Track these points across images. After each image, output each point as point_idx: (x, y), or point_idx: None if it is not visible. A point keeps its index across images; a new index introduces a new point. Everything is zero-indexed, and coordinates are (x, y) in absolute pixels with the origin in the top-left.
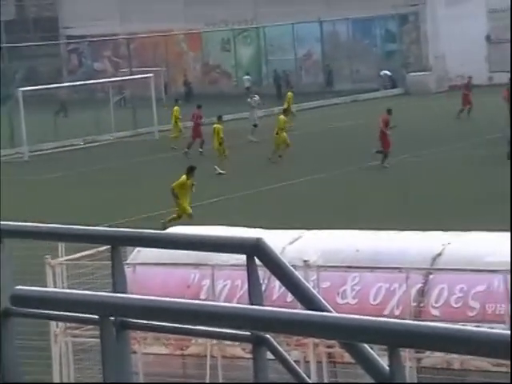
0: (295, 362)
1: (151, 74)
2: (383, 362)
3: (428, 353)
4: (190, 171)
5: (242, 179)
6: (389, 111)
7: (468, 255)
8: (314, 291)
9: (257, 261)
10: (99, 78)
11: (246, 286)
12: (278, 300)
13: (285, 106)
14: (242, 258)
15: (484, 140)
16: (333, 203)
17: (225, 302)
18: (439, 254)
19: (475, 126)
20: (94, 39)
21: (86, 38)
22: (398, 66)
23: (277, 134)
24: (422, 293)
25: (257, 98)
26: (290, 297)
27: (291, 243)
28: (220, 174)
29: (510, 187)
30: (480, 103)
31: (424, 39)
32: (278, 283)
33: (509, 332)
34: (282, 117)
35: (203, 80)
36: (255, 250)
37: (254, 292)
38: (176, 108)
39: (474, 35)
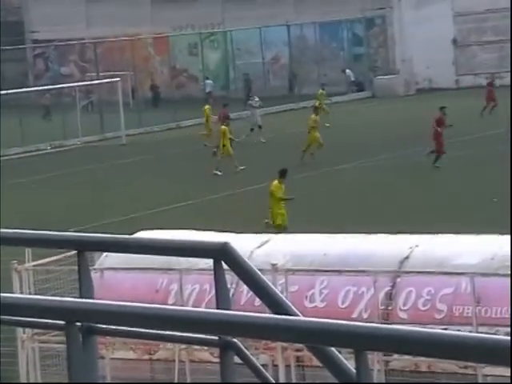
0: (263, 365)
1: (118, 79)
2: (350, 365)
3: (396, 355)
4: (283, 174)
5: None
6: (442, 109)
7: (435, 258)
8: (282, 295)
9: (224, 265)
10: (66, 83)
11: (213, 290)
12: (246, 304)
13: (316, 103)
14: (210, 262)
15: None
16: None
17: (193, 306)
18: (407, 257)
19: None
20: (61, 43)
21: (53, 42)
22: (365, 69)
23: (309, 132)
24: (390, 296)
25: (257, 98)
26: (258, 301)
27: (259, 247)
28: (237, 171)
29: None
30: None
31: (391, 43)
32: (246, 287)
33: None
34: (312, 116)
35: (170, 84)
36: (222, 255)
37: (222, 296)
38: (207, 107)
39: (440, 38)
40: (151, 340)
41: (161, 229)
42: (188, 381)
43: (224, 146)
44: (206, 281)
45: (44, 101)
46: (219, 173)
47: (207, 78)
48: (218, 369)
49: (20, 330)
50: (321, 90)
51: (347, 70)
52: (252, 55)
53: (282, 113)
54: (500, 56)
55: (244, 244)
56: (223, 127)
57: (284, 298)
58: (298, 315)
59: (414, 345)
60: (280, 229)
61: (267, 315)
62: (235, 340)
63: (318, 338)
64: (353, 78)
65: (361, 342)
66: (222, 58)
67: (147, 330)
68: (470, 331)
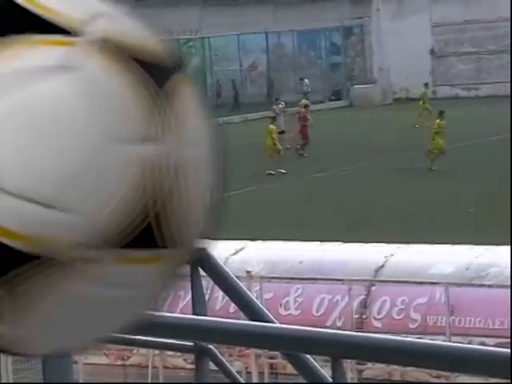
0: (237, 373)
1: None
2: (326, 373)
3: (369, 364)
4: None
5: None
6: None
7: (410, 267)
8: (257, 302)
9: (200, 271)
10: None
11: (188, 296)
12: (221, 310)
13: (427, 105)
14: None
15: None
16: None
17: (167, 312)
18: (382, 266)
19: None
20: None
21: None
22: (342, 78)
23: (433, 139)
24: (365, 304)
25: (282, 104)
26: (233, 307)
27: (235, 254)
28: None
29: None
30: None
31: (369, 52)
32: (221, 293)
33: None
34: (437, 120)
35: None
36: (199, 260)
37: (198, 302)
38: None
39: (418, 49)
40: (126, 345)
41: None
42: None
43: (275, 144)
44: (181, 287)
45: None
46: (283, 171)
47: None
48: (191, 375)
49: None
50: (424, 90)
51: (305, 80)
52: (230, 62)
53: (259, 120)
54: (477, 67)
55: (219, 251)
56: (271, 126)
57: (260, 305)
58: (273, 322)
59: (389, 353)
60: None
61: (245, 322)
62: (211, 346)
63: (295, 346)
64: (308, 89)
65: (338, 349)
66: (199, 65)
67: (122, 335)
68: (444, 341)
